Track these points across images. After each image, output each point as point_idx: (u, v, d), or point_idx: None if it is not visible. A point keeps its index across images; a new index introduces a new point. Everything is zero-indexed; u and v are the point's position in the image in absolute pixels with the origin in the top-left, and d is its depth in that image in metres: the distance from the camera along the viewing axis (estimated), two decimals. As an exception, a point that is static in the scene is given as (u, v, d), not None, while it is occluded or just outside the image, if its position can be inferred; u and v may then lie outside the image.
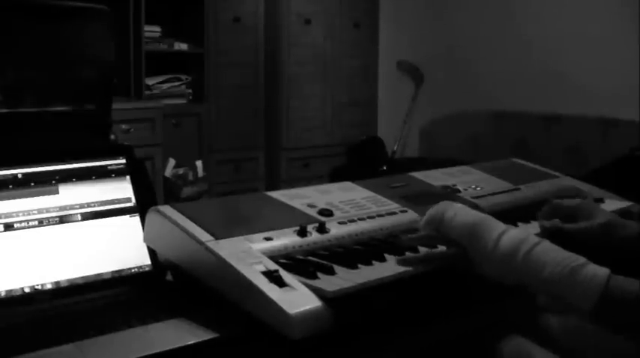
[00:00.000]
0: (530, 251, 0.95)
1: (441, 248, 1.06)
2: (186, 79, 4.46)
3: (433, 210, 1.06)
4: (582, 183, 1.57)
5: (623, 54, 3.95)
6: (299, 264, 0.99)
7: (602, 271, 0.92)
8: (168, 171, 3.97)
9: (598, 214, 1.24)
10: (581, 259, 0.94)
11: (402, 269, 0.99)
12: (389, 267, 0.99)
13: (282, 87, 4.76)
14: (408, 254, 1.03)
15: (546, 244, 0.97)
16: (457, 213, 1.03)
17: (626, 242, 1.23)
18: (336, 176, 4.11)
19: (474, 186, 1.44)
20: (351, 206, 1.21)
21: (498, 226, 1.00)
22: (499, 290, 1.10)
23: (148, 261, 1.15)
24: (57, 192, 1.10)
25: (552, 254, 0.95)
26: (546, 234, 1.21)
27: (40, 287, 1.05)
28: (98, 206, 1.13)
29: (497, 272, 0.98)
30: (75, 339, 0.90)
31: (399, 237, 1.08)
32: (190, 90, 4.48)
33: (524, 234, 0.99)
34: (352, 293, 0.90)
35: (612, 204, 1.45)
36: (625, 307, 0.90)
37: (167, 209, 1.07)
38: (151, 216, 1.08)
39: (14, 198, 1.06)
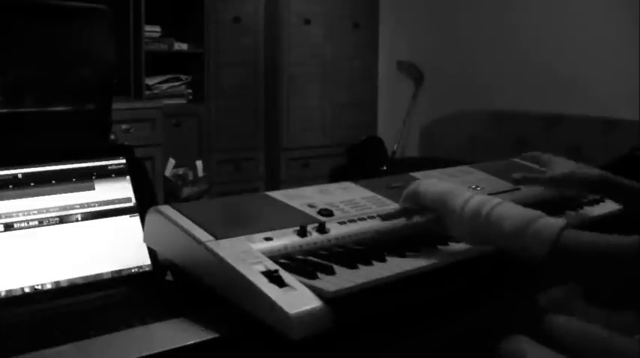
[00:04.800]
0: (492, 209, 1.03)
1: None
2: (186, 79, 4.46)
3: (408, 188, 1.15)
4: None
5: (624, 54, 3.95)
6: (299, 264, 0.98)
7: (557, 222, 0.99)
8: (168, 171, 3.97)
9: (558, 165, 1.38)
10: (537, 212, 1.01)
11: (401, 269, 0.99)
12: (389, 267, 0.99)
13: (282, 87, 4.76)
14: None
15: (507, 203, 1.05)
16: (429, 185, 1.13)
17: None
18: (336, 176, 4.11)
19: (473, 186, 1.44)
20: (351, 206, 1.21)
21: (465, 193, 1.09)
22: (499, 290, 1.10)
23: (148, 261, 1.15)
24: (57, 192, 1.10)
25: (512, 210, 1.02)
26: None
27: (40, 287, 1.05)
28: (98, 206, 1.13)
29: (465, 233, 1.06)
30: (75, 339, 0.90)
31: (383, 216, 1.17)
32: (190, 90, 4.49)
33: (487, 197, 1.07)
34: (352, 293, 0.90)
35: (612, 204, 1.45)
36: (577, 257, 0.96)
37: (167, 209, 1.07)
38: (150, 216, 1.08)
39: (14, 198, 1.06)
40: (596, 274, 0.98)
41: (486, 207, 1.03)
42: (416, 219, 1.14)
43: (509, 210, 1.02)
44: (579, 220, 1.34)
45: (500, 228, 1.01)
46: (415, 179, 1.43)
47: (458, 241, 1.10)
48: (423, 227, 1.13)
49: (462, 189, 1.11)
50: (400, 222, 1.14)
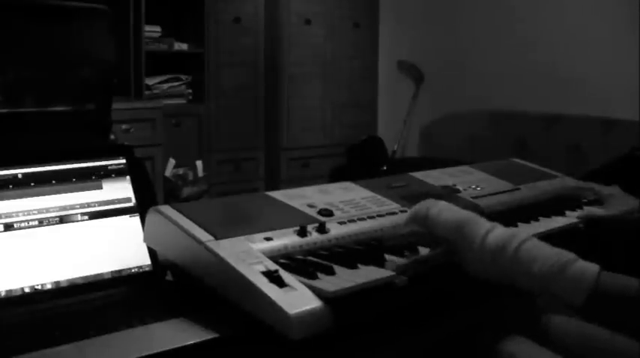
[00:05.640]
0: (519, 247, 0.96)
1: (426, 250, 1.05)
2: (186, 79, 4.46)
3: (417, 208, 1.06)
4: (583, 182, 1.57)
5: (624, 54, 3.95)
6: (299, 264, 0.98)
7: (592, 267, 0.93)
8: (169, 171, 3.97)
9: (618, 201, 1.33)
10: (571, 255, 0.95)
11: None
12: (389, 267, 0.99)
13: (282, 87, 4.76)
14: (398, 260, 1.02)
15: (535, 241, 0.97)
16: (442, 209, 1.03)
17: None
18: (336, 176, 4.11)
19: (473, 186, 1.44)
20: (351, 206, 1.21)
21: (485, 223, 1.00)
22: (497, 289, 1.10)
23: (148, 261, 1.15)
24: (57, 192, 1.10)
25: (542, 250, 0.95)
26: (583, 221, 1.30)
27: (40, 287, 1.05)
28: (98, 206, 1.13)
29: (483, 269, 0.98)
30: (75, 339, 0.90)
31: (383, 237, 1.08)
32: (190, 90, 4.49)
33: (512, 230, 1.00)
34: (352, 293, 0.90)
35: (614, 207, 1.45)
36: (621, 303, 0.91)
37: (167, 209, 1.07)
38: (151, 216, 1.08)
39: (14, 198, 1.06)
40: (636, 321, 0.92)
41: (513, 242, 0.96)
42: (427, 253, 1.04)
43: (539, 250, 0.95)
44: (579, 220, 1.34)
45: (529, 268, 0.94)
46: (415, 179, 1.43)
47: (473, 276, 1.01)
48: (432, 260, 1.03)
49: (479, 217, 1.02)
50: (400, 220, 1.14)
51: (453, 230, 1.00)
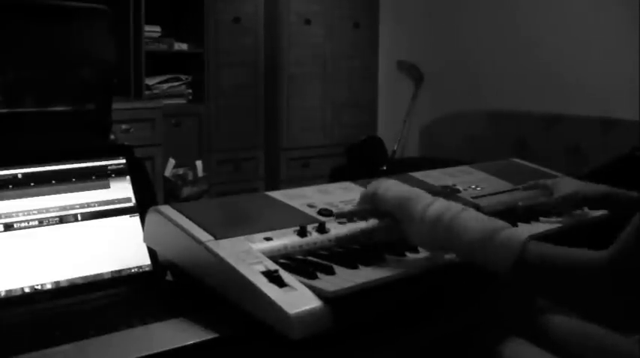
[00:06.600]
0: (453, 217, 0.98)
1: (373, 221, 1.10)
2: (186, 79, 4.46)
3: (367, 188, 1.10)
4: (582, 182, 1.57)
5: (624, 54, 3.95)
6: (299, 264, 0.99)
7: (520, 234, 0.93)
8: (168, 171, 3.97)
9: (563, 185, 1.38)
10: (502, 223, 0.96)
11: (401, 269, 0.99)
12: (389, 267, 0.99)
13: (282, 87, 4.76)
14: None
15: (471, 212, 1.00)
16: (389, 187, 1.07)
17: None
18: (335, 176, 4.11)
19: (473, 186, 1.44)
20: (351, 206, 1.21)
21: (428, 197, 1.03)
22: (497, 288, 1.10)
23: (148, 261, 1.15)
24: (57, 192, 1.10)
25: (476, 220, 0.97)
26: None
27: (40, 287, 1.05)
28: (98, 206, 1.13)
29: (424, 240, 1.02)
30: (75, 339, 0.90)
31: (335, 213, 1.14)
32: (190, 91, 4.48)
33: (450, 202, 1.02)
34: (352, 293, 0.90)
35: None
36: (542, 271, 0.91)
37: (167, 209, 1.07)
38: (151, 216, 1.08)
39: (14, 198, 1.06)
40: (560, 289, 0.91)
41: (447, 214, 0.98)
42: (372, 222, 1.10)
43: (471, 220, 0.97)
44: (577, 221, 1.34)
45: (460, 238, 0.96)
46: (415, 179, 1.44)
47: (417, 248, 1.06)
48: (381, 233, 1.08)
49: (423, 193, 1.05)
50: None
51: (397, 205, 1.04)
